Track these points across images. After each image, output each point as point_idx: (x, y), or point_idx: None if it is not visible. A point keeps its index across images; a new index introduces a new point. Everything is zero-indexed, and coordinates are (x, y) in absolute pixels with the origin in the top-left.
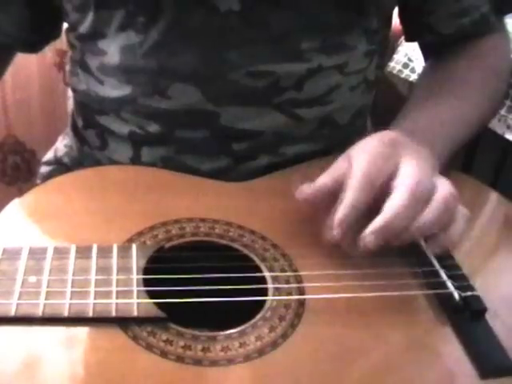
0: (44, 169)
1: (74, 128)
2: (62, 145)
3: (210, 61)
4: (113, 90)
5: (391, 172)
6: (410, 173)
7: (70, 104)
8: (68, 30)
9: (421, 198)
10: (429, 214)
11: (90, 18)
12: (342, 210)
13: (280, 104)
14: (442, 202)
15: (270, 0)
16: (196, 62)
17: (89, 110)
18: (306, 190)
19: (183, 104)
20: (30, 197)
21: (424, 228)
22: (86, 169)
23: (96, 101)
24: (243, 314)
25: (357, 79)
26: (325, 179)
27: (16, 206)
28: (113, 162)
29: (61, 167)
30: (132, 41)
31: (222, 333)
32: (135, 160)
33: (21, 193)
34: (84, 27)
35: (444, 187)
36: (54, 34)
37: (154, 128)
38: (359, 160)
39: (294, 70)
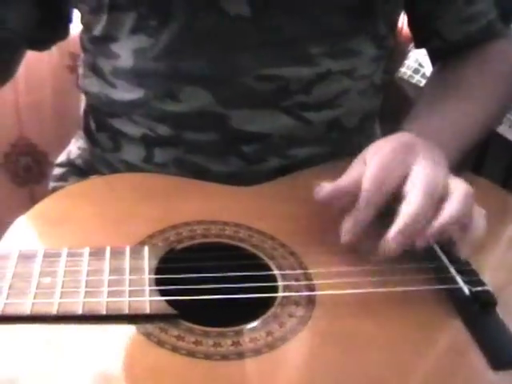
0: (57, 171)
1: (87, 130)
2: (75, 147)
3: (220, 64)
4: (125, 93)
5: (404, 175)
6: (423, 174)
7: (82, 107)
8: (82, 33)
9: (436, 198)
10: (448, 212)
11: (103, 20)
12: (353, 216)
13: (289, 107)
14: (460, 201)
15: (279, 5)
16: (206, 65)
17: (101, 113)
18: (326, 188)
19: (194, 107)
20: (44, 204)
21: (444, 227)
22: (96, 177)
23: (108, 104)
24: (253, 311)
25: (365, 84)
26: (345, 180)
27: (31, 213)
28: (126, 163)
29: (74, 169)
30: (144, 44)
31: (232, 328)
32: (148, 161)
33: (32, 194)
34: (97, 30)
35: (461, 186)
36: (62, 35)
37: (165, 131)
38: (372, 164)
39: (302, 74)
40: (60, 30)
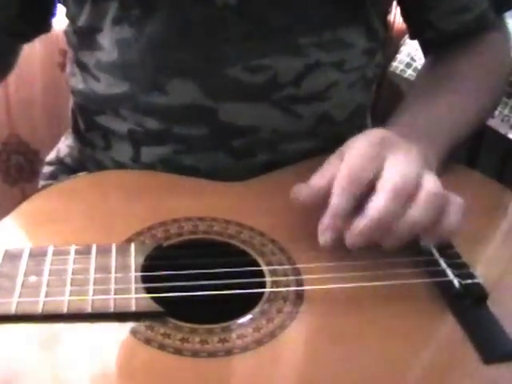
0: (46, 169)
1: (75, 130)
2: (64, 145)
3: (206, 55)
4: (110, 87)
5: (376, 171)
6: (393, 172)
7: (71, 106)
8: (67, 27)
9: (404, 197)
10: (414, 212)
11: (87, 9)
12: (327, 217)
13: (278, 100)
14: (425, 200)
15: None
16: (193, 56)
17: (88, 111)
18: (301, 191)
19: (182, 100)
20: (31, 202)
21: (410, 226)
22: (84, 175)
23: (94, 100)
24: (242, 308)
25: (355, 76)
26: (317, 180)
27: (17, 212)
28: (115, 162)
29: (63, 167)
30: (127, 35)
31: (219, 325)
32: (135, 160)
33: (24, 193)
34: (81, 20)
35: (428, 184)
36: (44, 28)
37: (152, 125)
38: (345, 160)
39: (291, 65)
40: (42, 24)
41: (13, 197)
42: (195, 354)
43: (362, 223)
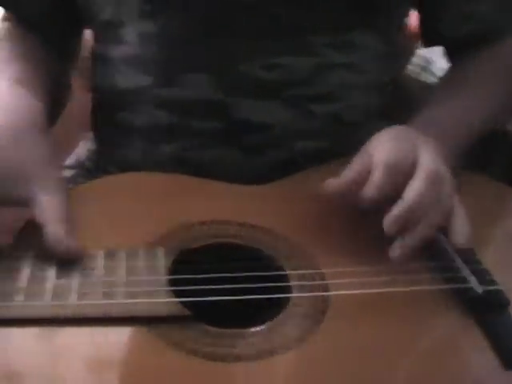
0: (66, 173)
1: (94, 129)
2: (83, 149)
3: (222, 52)
4: (130, 80)
5: (411, 163)
6: (428, 162)
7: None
8: (90, 21)
9: (437, 185)
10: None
11: (112, 3)
12: (368, 189)
13: (291, 98)
14: (450, 195)
15: None
16: (209, 52)
17: (107, 107)
18: (332, 183)
19: (197, 94)
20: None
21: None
22: (107, 177)
23: (113, 94)
24: (268, 312)
25: (369, 79)
26: (348, 173)
27: None
28: (132, 161)
29: (83, 171)
30: (149, 29)
31: (247, 330)
32: (149, 158)
33: None
34: (106, 14)
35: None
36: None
37: (167, 118)
38: (380, 152)
39: (304, 64)
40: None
41: None
42: (223, 358)
43: (400, 207)
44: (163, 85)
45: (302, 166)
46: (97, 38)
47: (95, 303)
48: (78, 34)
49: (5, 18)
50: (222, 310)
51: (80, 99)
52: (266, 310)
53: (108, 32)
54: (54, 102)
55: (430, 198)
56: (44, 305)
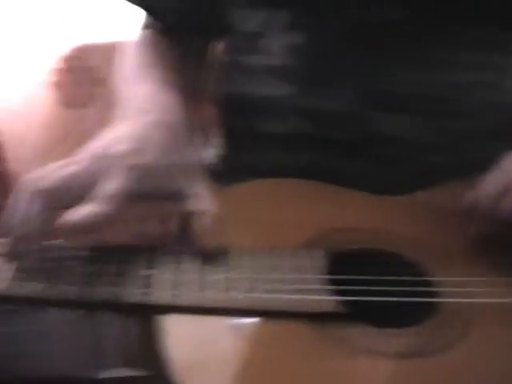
0: None
1: (224, 135)
2: (209, 154)
3: (367, 66)
4: (273, 89)
5: None
6: None
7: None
8: (227, 30)
9: None
10: None
11: (258, 16)
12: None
13: (428, 113)
14: None
15: (428, 12)
16: (355, 65)
17: (243, 114)
18: (471, 195)
19: (336, 106)
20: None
21: None
22: (257, 180)
23: (252, 102)
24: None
25: (506, 99)
26: (488, 186)
27: None
28: (267, 168)
29: (210, 174)
30: (297, 41)
31: (403, 330)
32: (291, 165)
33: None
34: (250, 25)
35: None
36: (226, 27)
37: (309, 128)
38: None
39: (445, 81)
40: (225, 23)
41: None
42: (385, 354)
43: None
44: (304, 95)
45: (429, 181)
46: (234, 47)
47: (262, 297)
48: (213, 43)
49: (146, 26)
50: (372, 310)
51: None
52: (409, 314)
53: (250, 42)
54: (191, 107)
55: None
56: (217, 295)
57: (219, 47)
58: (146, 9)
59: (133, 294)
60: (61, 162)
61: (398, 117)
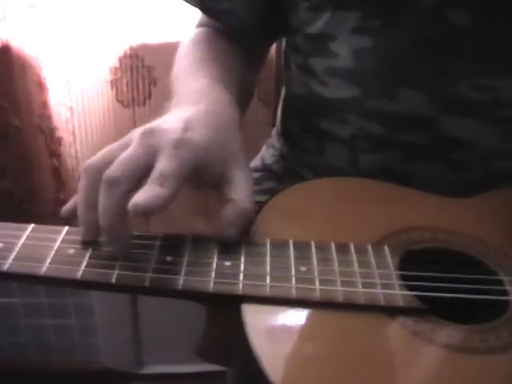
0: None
1: (286, 134)
2: (268, 154)
3: (438, 70)
4: (339, 91)
5: None
6: None
7: (279, 112)
8: (292, 33)
9: None
10: None
11: (324, 18)
12: None
13: (499, 119)
14: None
15: (501, 19)
16: (425, 69)
17: (307, 115)
18: None
19: (409, 109)
20: (281, 198)
21: None
22: (326, 178)
23: (317, 103)
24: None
25: None
26: None
27: (272, 204)
28: (329, 166)
29: (269, 174)
30: (365, 44)
31: (477, 326)
32: (353, 165)
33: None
34: (315, 28)
35: None
36: (284, 29)
37: (376, 130)
38: None
39: None
40: (282, 25)
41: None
42: (461, 349)
43: None
44: (374, 97)
45: (498, 184)
46: (297, 49)
47: (338, 290)
48: (271, 44)
49: (201, 24)
50: (442, 306)
51: (257, 107)
52: (479, 310)
53: (316, 44)
54: (242, 104)
55: None
56: (291, 287)
57: (282, 48)
58: (205, 11)
59: (208, 283)
60: (114, 145)
61: (467, 121)
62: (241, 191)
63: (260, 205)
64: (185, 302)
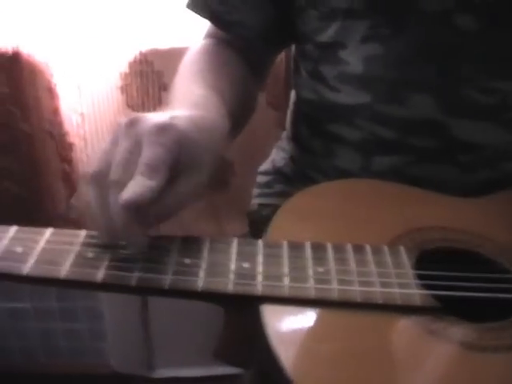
0: (261, 178)
1: (296, 138)
2: (279, 157)
3: (445, 74)
4: (350, 97)
5: None
6: None
7: (289, 116)
8: (301, 41)
9: None
10: None
11: (334, 27)
12: None
13: (506, 121)
14: None
15: (507, 22)
16: (433, 74)
17: (317, 119)
18: None
19: (419, 113)
20: (295, 199)
21: None
22: (335, 181)
23: (327, 108)
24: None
25: None
26: None
27: (286, 206)
28: (340, 169)
29: (280, 177)
30: (375, 52)
31: (491, 324)
32: (365, 168)
33: None
34: (325, 36)
35: None
36: (292, 38)
37: (387, 134)
38: None
39: None
40: (290, 34)
41: None
42: (475, 347)
43: None
44: (384, 102)
45: (507, 185)
46: (309, 56)
47: (355, 289)
48: (279, 53)
49: (209, 35)
50: (457, 304)
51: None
52: (493, 309)
53: (326, 52)
54: (238, 117)
55: None
56: (310, 287)
57: (291, 52)
58: (214, 22)
59: (228, 284)
60: (106, 145)
61: (476, 123)
62: (184, 190)
63: (273, 208)
64: (195, 305)
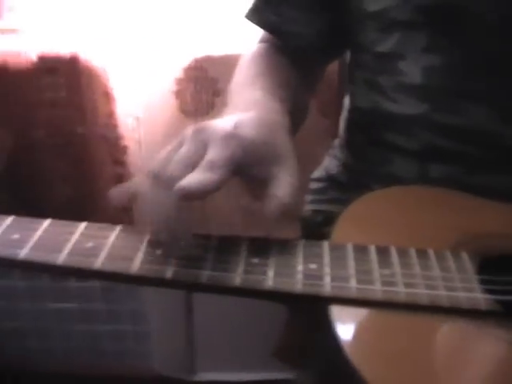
0: (315, 185)
1: (352, 146)
2: (332, 164)
3: (502, 84)
4: (407, 107)
5: None
6: None
7: (342, 124)
8: (357, 50)
9: None
10: None
11: (393, 38)
12: None
13: None
14: None
15: None
16: (490, 84)
17: (372, 127)
18: None
19: (476, 123)
20: (354, 208)
21: None
22: (393, 187)
23: (384, 118)
24: None
25: None
26: None
27: (349, 211)
28: (396, 177)
29: (334, 184)
30: (435, 63)
31: None
32: (422, 176)
33: None
34: (383, 47)
35: None
36: (344, 48)
37: (444, 143)
38: None
39: None
40: (343, 44)
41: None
42: None
43: None
44: (442, 112)
45: None
46: (365, 66)
47: (421, 292)
48: (331, 62)
49: (263, 40)
50: None
51: (316, 118)
52: None
53: (385, 63)
54: (293, 120)
55: None
56: (376, 289)
57: (345, 60)
58: (268, 30)
59: (296, 284)
60: (170, 148)
61: None
62: (284, 188)
63: (326, 214)
64: (242, 307)
